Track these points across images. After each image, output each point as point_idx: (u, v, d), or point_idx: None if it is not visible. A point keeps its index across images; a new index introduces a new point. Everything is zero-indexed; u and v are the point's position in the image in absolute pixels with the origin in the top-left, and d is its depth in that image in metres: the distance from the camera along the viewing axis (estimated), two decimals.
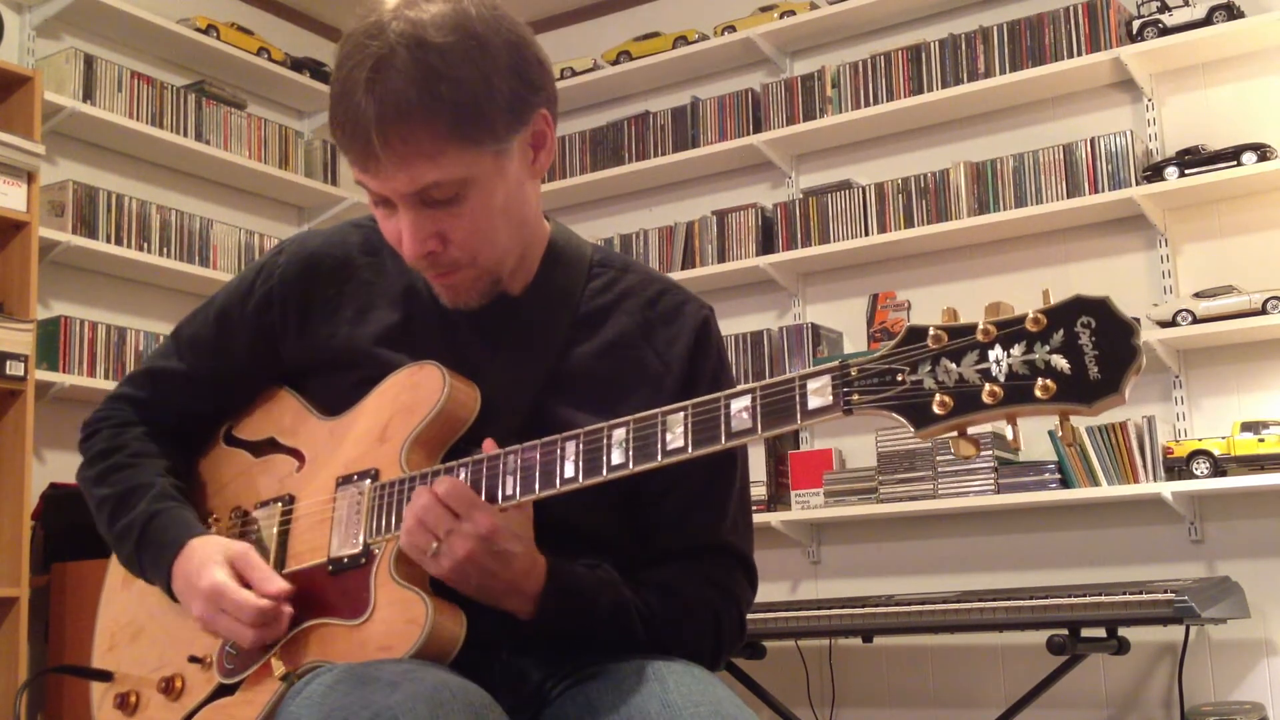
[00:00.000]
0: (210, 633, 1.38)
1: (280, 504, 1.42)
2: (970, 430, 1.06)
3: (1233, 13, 3.78)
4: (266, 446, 1.49)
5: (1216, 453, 3.53)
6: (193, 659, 1.42)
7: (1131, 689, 3.79)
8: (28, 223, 3.72)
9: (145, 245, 4.20)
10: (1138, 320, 0.97)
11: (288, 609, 1.33)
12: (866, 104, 4.32)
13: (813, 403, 1.10)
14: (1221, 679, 3.66)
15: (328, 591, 1.33)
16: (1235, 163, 3.68)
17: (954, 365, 1.04)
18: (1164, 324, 3.67)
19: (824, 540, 4.34)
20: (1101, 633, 3.28)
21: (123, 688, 1.49)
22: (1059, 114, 4.16)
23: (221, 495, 1.51)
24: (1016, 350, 1.01)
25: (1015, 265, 4.14)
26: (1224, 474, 3.52)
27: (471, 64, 1.24)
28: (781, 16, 4.56)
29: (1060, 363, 0.99)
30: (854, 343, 4.36)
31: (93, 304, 4.19)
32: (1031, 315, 1.01)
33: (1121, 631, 3.28)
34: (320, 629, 1.32)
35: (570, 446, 1.22)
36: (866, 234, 4.24)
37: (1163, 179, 3.78)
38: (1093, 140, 3.92)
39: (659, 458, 1.17)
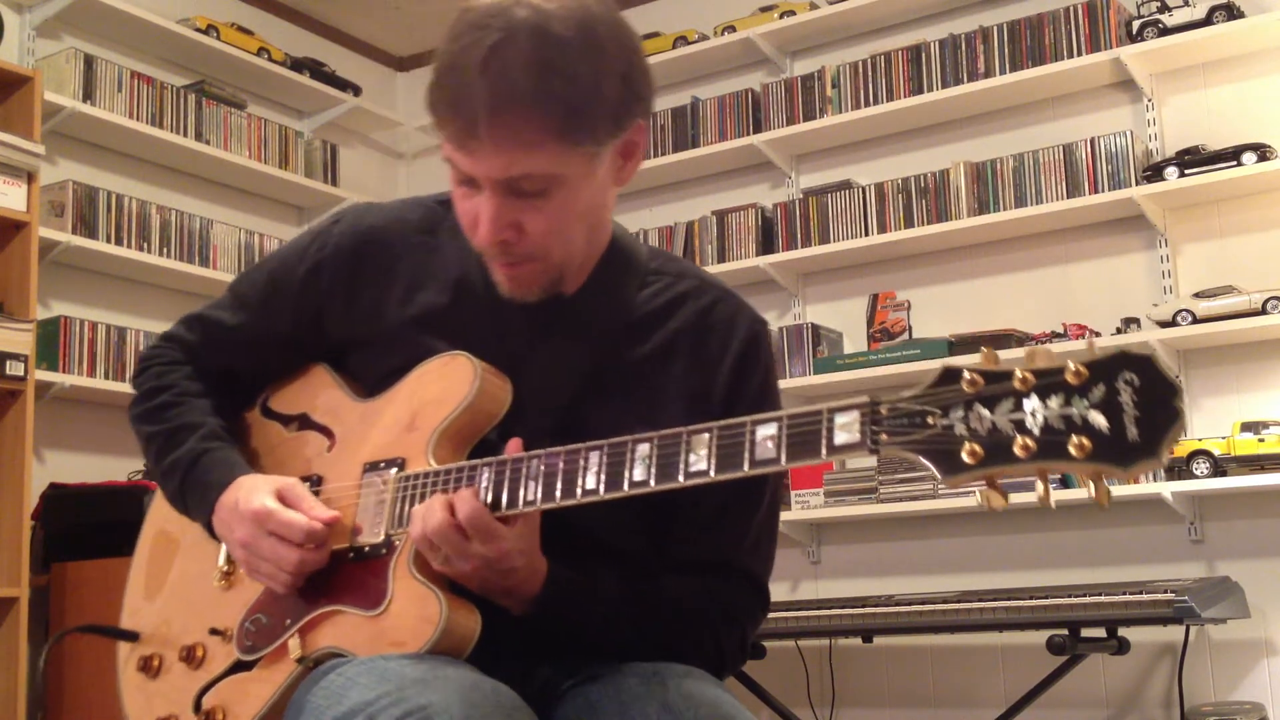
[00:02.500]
0: (248, 568, 1.38)
1: (309, 484, 1.42)
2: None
3: (1233, 13, 3.78)
4: (299, 422, 1.50)
5: (1216, 453, 3.53)
6: (214, 631, 1.43)
7: (1131, 689, 3.79)
8: (28, 223, 3.72)
9: (145, 245, 4.20)
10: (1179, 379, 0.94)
11: (325, 552, 1.34)
12: (866, 104, 4.32)
13: (839, 438, 1.07)
14: (1221, 679, 3.66)
15: (347, 578, 1.34)
16: (1235, 163, 3.68)
17: (987, 412, 0.99)
18: (1164, 324, 3.67)
19: (824, 540, 4.34)
20: (1101, 633, 3.28)
21: (147, 650, 1.51)
22: (1059, 114, 4.16)
23: (252, 468, 1.51)
24: (1054, 402, 0.97)
25: (1015, 265, 4.13)
26: (1224, 474, 3.52)
27: (588, 63, 1.23)
28: (781, 16, 4.56)
29: (1098, 420, 0.95)
30: (854, 343, 4.36)
31: (93, 304, 4.18)
32: (1072, 367, 0.96)
33: (1121, 631, 3.29)
34: (336, 615, 1.32)
35: (594, 457, 1.21)
36: (866, 234, 4.24)
37: (1163, 179, 3.77)
38: (1093, 140, 3.92)
39: (681, 478, 1.15)
